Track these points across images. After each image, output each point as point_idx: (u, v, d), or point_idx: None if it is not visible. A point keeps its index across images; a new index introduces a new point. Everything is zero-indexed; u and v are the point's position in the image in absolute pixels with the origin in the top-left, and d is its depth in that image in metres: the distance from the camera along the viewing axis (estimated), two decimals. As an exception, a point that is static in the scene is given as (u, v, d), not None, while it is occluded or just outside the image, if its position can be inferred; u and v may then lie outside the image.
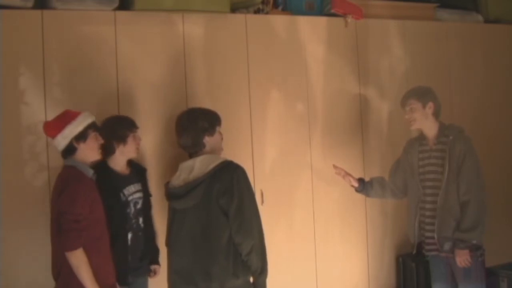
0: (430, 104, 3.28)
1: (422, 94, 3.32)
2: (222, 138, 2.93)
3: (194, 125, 2.82)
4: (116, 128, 2.99)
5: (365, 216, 4.00)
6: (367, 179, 3.62)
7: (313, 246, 3.82)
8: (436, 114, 3.31)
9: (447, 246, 3.23)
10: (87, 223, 2.63)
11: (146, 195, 3.12)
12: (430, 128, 3.32)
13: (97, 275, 2.64)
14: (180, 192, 2.73)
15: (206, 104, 3.09)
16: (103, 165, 2.99)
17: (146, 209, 3.10)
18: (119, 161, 3.02)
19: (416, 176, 3.35)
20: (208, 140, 2.83)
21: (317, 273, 3.84)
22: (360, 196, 3.82)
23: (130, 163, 3.11)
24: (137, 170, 3.13)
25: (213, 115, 2.90)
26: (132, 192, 3.03)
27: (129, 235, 2.99)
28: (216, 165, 2.70)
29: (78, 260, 2.59)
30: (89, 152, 2.78)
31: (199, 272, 2.68)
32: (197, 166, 2.74)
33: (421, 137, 3.40)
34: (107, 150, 2.97)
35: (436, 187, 3.26)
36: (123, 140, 2.98)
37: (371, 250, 4.04)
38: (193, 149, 2.83)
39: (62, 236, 2.60)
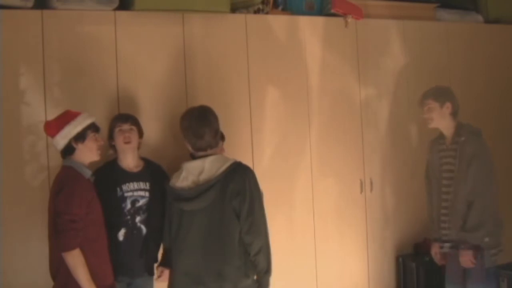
0: (448, 104, 3.27)
1: (440, 94, 3.31)
2: None
3: (216, 123, 2.77)
4: (109, 126, 3.09)
5: (365, 216, 4.00)
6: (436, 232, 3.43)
7: (313, 246, 3.82)
8: (454, 114, 3.30)
9: (446, 246, 3.23)
10: (83, 223, 2.63)
11: (156, 197, 3.06)
12: (447, 127, 3.31)
13: (95, 276, 2.63)
14: (190, 194, 2.69)
15: (206, 104, 3.08)
16: (112, 163, 3.07)
17: (150, 210, 3.05)
18: (122, 158, 3.07)
19: (437, 174, 3.36)
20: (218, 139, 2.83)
21: (317, 273, 3.84)
22: (360, 196, 3.84)
23: (146, 162, 3.14)
24: (151, 170, 3.12)
25: None
26: (132, 189, 3.04)
27: (122, 231, 2.98)
28: (227, 167, 2.68)
29: (75, 260, 2.59)
30: (87, 153, 2.78)
31: (210, 272, 2.66)
32: (207, 168, 2.69)
33: (440, 136, 3.40)
34: (113, 149, 3.09)
35: (450, 185, 3.26)
36: (111, 136, 3.07)
37: (371, 250, 4.04)
38: (208, 148, 2.75)
39: (59, 236, 2.60)
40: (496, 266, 3.27)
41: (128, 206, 3.02)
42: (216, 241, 2.67)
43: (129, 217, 3.01)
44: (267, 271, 2.71)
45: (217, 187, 2.65)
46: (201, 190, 2.67)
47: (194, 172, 2.72)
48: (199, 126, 2.72)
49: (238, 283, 2.65)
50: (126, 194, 3.02)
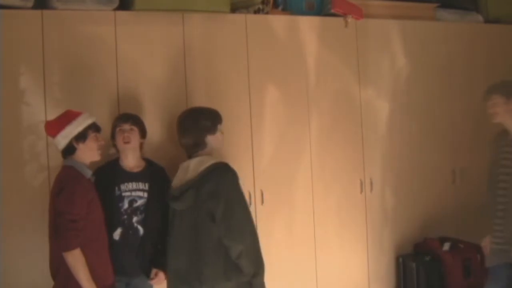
0: None
1: (505, 89, 3.24)
2: (223, 137, 2.93)
3: (197, 125, 2.81)
4: (112, 126, 3.10)
5: (365, 216, 4.00)
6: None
7: (313, 246, 3.82)
8: None
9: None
10: (84, 223, 2.64)
11: (154, 198, 3.05)
12: (511, 123, 3.24)
13: (95, 276, 2.64)
14: (176, 193, 2.74)
15: (206, 104, 3.09)
16: (113, 162, 3.08)
17: (148, 211, 3.04)
18: (123, 157, 3.08)
19: (496, 170, 3.26)
20: (210, 139, 2.82)
21: (317, 273, 3.84)
22: (360, 197, 3.82)
23: (149, 163, 3.14)
24: (151, 172, 3.12)
25: (214, 114, 2.90)
26: (130, 189, 3.03)
27: (118, 230, 2.98)
28: (206, 167, 2.68)
29: (76, 260, 2.59)
30: (88, 153, 2.79)
31: (193, 273, 2.67)
32: (191, 168, 2.73)
33: (504, 132, 3.30)
34: (116, 148, 3.10)
35: (507, 181, 3.18)
36: (113, 135, 3.08)
37: (371, 251, 4.03)
38: (195, 149, 2.81)
39: (60, 236, 2.60)
40: None
41: (126, 205, 3.01)
42: (196, 242, 2.67)
43: (126, 216, 3.01)
44: (255, 275, 2.63)
45: (195, 187, 2.66)
46: (183, 189, 2.70)
47: (183, 171, 2.78)
48: (178, 132, 2.88)
49: (216, 284, 2.62)
50: (124, 194, 3.02)
